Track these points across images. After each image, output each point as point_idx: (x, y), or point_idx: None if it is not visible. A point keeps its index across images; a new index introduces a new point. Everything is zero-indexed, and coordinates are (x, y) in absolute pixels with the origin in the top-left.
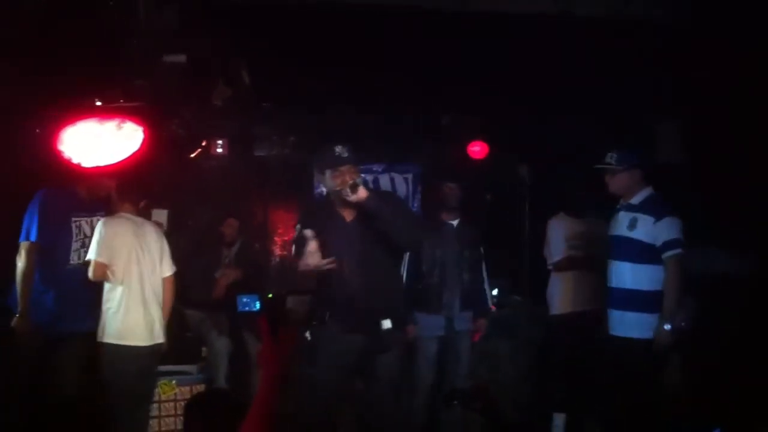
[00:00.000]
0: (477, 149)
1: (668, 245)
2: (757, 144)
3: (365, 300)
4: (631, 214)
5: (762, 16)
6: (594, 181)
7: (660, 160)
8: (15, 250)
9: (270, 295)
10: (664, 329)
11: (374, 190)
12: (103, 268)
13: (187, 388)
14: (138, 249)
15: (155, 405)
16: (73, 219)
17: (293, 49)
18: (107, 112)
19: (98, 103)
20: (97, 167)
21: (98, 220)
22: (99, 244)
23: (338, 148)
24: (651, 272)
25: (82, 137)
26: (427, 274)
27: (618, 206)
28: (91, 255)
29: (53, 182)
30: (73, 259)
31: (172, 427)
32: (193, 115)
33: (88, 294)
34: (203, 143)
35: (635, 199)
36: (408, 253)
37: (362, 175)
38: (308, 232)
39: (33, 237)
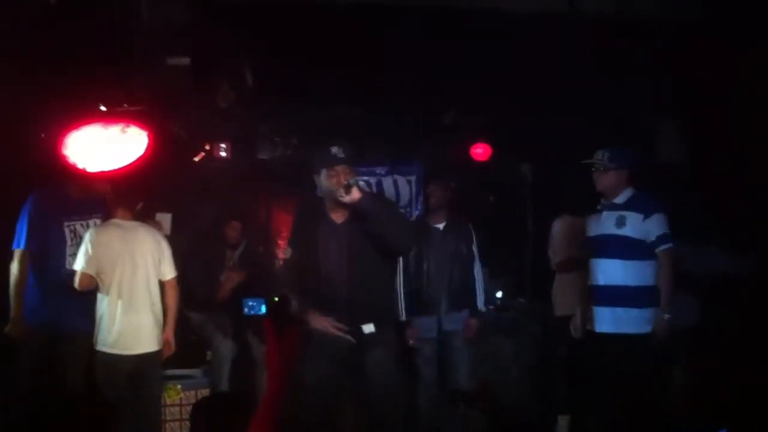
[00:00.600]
0: (480, 151)
1: (661, 240)
2: (758, 144)
3: (350, 302)
4: (617, 213)
5: (765, 16)
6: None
7: (661, 159)
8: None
9: (276, 299)
10: (663, 320)
11: (368, 192)
12: (88, 279)
13: (192, 392)
14: (127, 256)
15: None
16: (66, 223)
17: (297, 50)
18: (111, 116)
19: (102, 108)
20: (102, 172)
21: (95, 222)
22: (85, 254)
23: (334, 148)
24: (640, 268)
25: (86, 142)
26: (414, 276)
27: (599, 207)
28: (77, 266)
29: (43, 186)
30: (69, 264)
31: (178, 431)
32: (197, 117)
33: (86, 297)
34: (206, 146)
35: (619, 199)
36: (401, 257)
37: (366, 177)
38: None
39: (23, 244)
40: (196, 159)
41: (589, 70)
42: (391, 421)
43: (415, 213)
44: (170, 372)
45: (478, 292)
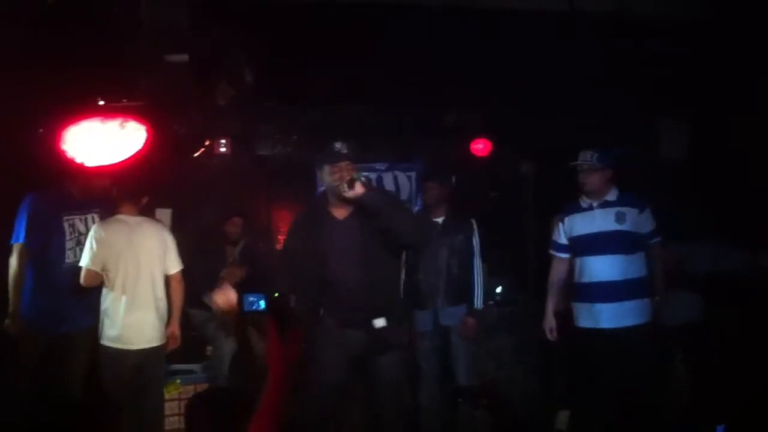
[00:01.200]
0: (480, 147)
1: (653, 233)
2: (759, 141)
3: (357, 298)
4: (615, 209)
5: (765, 14)
6: None
7: (662, 157)
8: None
9: (276, 294)
10: (661, 308)
11: (372, 186)
12: (93, 276)
13: (191, 387)
14: (132, 252)
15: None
16: (66, 218)
17: (296, 47)
18: (110, 111)
19: (101, 103)
20: (100, 166)
21: (93, 217)
22: (90, 251)
23: (338, 144)
24: (638, 260)
25: (84, 137)
26: (411, 270)
27: (587, 205)
28: (83, 262)
29: (43, 182)
30: (69, 258)
31: (177, 426)
32: (196, 114)
33: (86, 292)
34: (206, 142)
35: (611, 196)
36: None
37: (366, 173)
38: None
39: (21, 239)
40: (196, 155)
41: (590, 69)
42: (396, 421)
43: (415, 208)
44: (170, 367)
45: (476, 289)
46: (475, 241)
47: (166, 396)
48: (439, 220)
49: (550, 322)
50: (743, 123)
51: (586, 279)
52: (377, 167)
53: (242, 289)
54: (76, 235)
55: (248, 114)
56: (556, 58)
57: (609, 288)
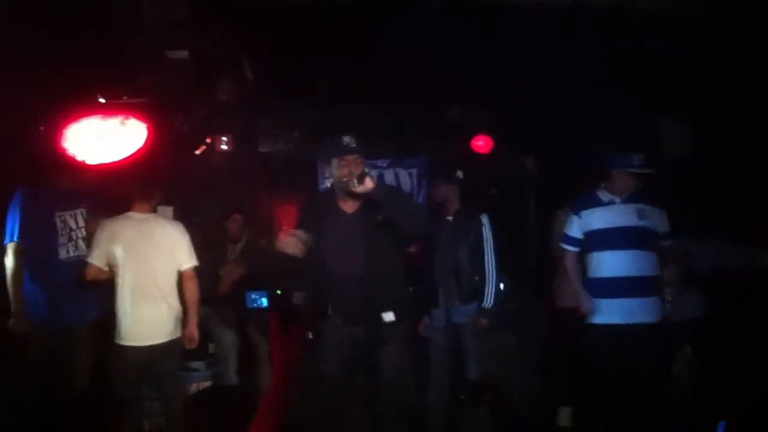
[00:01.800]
0: (481, 143)
1: (668, 233)
2: (762, 141)
3: (366, 292)
4: (636, 205)
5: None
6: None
7: (664, 155)
8: None
9: (279, 292)
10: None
11: (381, 182)
12: (96, 271)
13: (194, 385)
14: (140, 249)
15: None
16: (57, 214)
17: (297, 44)
18: (111, 108)
19: (102, 100)
20: (101, 164)
21: (82, 212)
22: (95, 246)
23: (346, 138)
24: (653, 258)
25: (85, 134)
26: (426, 268)
27: (608, 200)
28: (88, 257)
29: (33, 178)
30: (62, 254)
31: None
32: (198, 111)
33: (86, 286)
34: (208, 139)
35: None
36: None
37: (368, 169)
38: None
39: (16, 237)
40: (197, 152)
41: (590, 68)
42: (396, 421)
43: None
44: None
45: (487, 287)
46: (487, 237)
47: None
48: (450, 218)
49: (585, 295)
50: (743, 122)
51: (602, 274)
52: (378, 164)
53: (243, 286)
54: (68, 231)
55: (249, 110)
56: (557, 58)
57: (626, 283)
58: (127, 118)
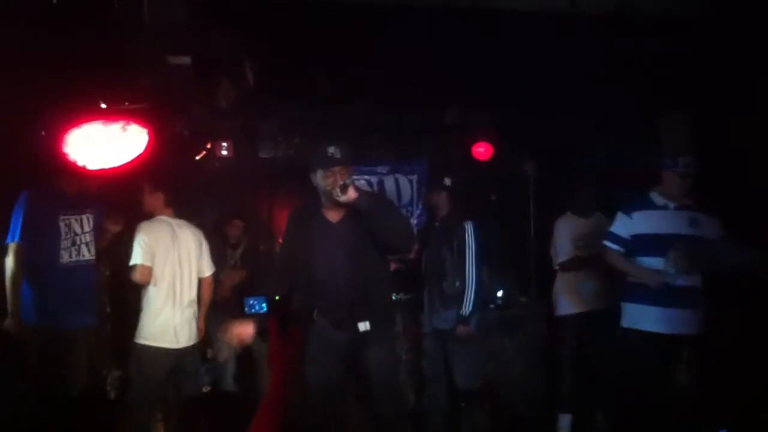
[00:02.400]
0: (481, 150)
1: (722, 241)
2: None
3: (346, 300)
4: (688, 213)
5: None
6: (599, 179)
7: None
8: None
9: (277, 297)
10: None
11: (365, 190)
12: (147, 271)
13: None
14: (175, 252)
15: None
16: (62, 217)
17: (297, 44)
18: (112, 114)
19: (103, 106)
20: (103, 169)
21: (88, 218)
22: (141, 247)
23: (331, 149)
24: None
25: (86, 140)
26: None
27: (662, 204)
28: (134, 260)
29: (39, 181)
30: (63, 258)
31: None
32: (198, 115)
33: (82, 291)
34: (208, 144)
35: (687, 199)
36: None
37: (367, 176)
38: None
39: (17, 238)
40: (198, 157)
41: (590, 69)
42: (395, 419)
43: (417, 212)
44: None
45: (466, 296)
46: (470, 243)
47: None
48: (437, 223)
49: (646, 270)
50: (744, 122)
51: (653, 285)
52: (379, 170)
53: (242, 292)
54: (72, 235)
55: (250, 115)
56: (557, 58)
57: (669, 292)
58: (128, 124)
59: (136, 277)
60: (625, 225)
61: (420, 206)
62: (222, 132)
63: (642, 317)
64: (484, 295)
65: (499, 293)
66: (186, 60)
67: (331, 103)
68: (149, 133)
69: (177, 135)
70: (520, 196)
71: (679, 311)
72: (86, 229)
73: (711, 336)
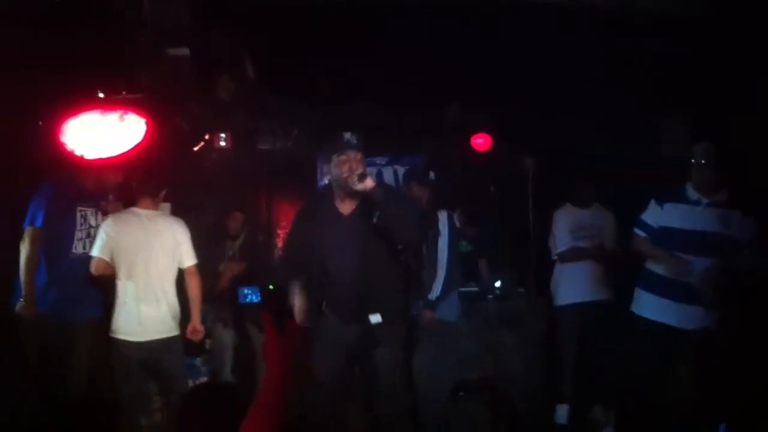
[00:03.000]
0: (480, 141)
1: (752, 242)
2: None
3: (356, 293)
4: (721, 211)
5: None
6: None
7: (664, 154)
8: (17, 246)
9: (271, 287)
10: None
11: (380, 183)
12: (103, 265)
13: (191, 381)
14: (144, 244)
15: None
16: (79, 209)
17: (297, 44)
18: (109, 104)
19: (101, 95)
20: (101, 159)
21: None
22: (100, 240)
23: (347, 134)
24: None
25: (84, 129)
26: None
27: (695, 198)
28: (93, 251)
29: (60, 173)
30: (77, 248)
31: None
32: (197, 108)
33: (91, 283)
34: (207, 136)
35: (721, 195)
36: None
37: (367, 167)
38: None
39: (39, 223)
40: (196, 149)
41: (590, 68)
42: (395, 418)
43: None
44: None
45: (436, 281)
46: (442, 232)
47: None
48: None
49: (674, 258)
50: (744, 122)
51: (666, 273)
52: (377, 161)
53: (241, 283)
54: (87, 227)
55: (249, 108)
56: (557, 58)
57: (688, 289)
58: (126, 113)
59: (92, 269)
60: (655, 214)
61: None
62: (221, 124)
63: (651, 306)
64: (455, 282)
65: (497, 284)
66: (185, 51)
67: (331, 102)
68: (148, 124)
69: (175, 126)
70: (520, 193)
71: (690, 307)
72: (101, 221)
73: (714, 333)
